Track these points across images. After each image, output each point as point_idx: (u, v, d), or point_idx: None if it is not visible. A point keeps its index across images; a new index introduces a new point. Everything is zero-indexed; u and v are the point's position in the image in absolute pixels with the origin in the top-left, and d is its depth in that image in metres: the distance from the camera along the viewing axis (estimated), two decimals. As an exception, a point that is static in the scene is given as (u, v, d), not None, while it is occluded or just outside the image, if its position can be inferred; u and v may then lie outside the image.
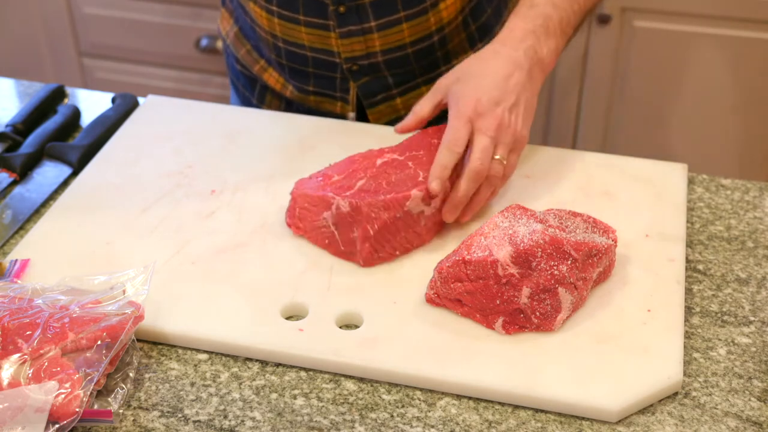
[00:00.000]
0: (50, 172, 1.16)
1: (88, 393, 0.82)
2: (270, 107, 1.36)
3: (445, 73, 1.25)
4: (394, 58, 1.25)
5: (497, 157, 1.01)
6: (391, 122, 1.28)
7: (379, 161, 1.03)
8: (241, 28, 1.35)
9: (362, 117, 1.31)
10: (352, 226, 0.98)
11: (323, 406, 0.86)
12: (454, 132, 1.01)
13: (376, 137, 1.17)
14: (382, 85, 1.28)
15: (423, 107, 1.08)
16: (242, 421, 0.85)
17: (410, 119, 1.08)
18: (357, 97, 1.29)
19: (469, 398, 0.87)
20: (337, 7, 1.19)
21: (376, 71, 1.26)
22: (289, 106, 1.34)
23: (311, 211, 1.00)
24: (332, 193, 0.99)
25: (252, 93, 1.38)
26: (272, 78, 1.33)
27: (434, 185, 0.99)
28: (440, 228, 1.03)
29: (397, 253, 0.99)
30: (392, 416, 0.85)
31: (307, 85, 1.29)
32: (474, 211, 1.03)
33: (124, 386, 0.86)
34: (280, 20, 1.23)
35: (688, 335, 0.93)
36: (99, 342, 0.85)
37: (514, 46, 1.06)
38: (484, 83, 1.03)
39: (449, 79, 1.07)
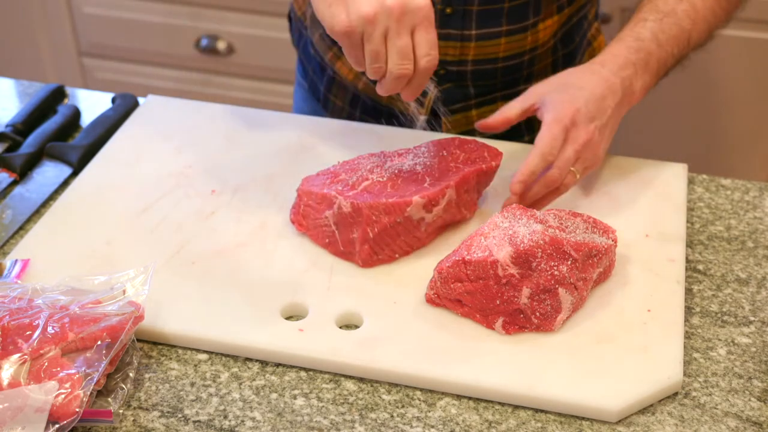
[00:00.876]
0: (50, 172, 1.16)
1: (88, 393, 0.82)
2: (336, 98, 1.33)
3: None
4: (482, 70, 1.24)
5: (573, 169, 1.01)
6: (462, 133, 1.27)
7: (388, 164, 1.02)
8: None
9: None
10: (353, 227, 0.98)
11: (323, 406, 0.86)
12: (551, 139, 1.00)
13: (377, 138, 1.17)
14: (463, 94, 1.27)
15: (512, 109, 1.07)
16: (242, 421, 0.85)
17: (497, 118, 1.07)
18: (431, 102, 1.27)
19: (469, 398, 0.87)
20: (445, 7, 1.18)
21: (461, 79, 1.25)
22: (354, 98, 1.31)
23: (314, 208, 1.00)
24: (335, 192, 0.98)
25: (321, 80, 1.35)
26: (345, 68, 1.29)
27: (517, 187, 0.99)
28: (441, 232, 1.03)
29: (397, 255, 0.99)
30: (392, 416, 0.85)
31: None
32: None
33: (124, 386, 0.86)
34: None
35: (688, 335, 0.93)
36: (99, 342, 0.85)
37: (613, 71, 1.05)
38: (582, 94, 1.03)
39: (545, 87, 1.06)
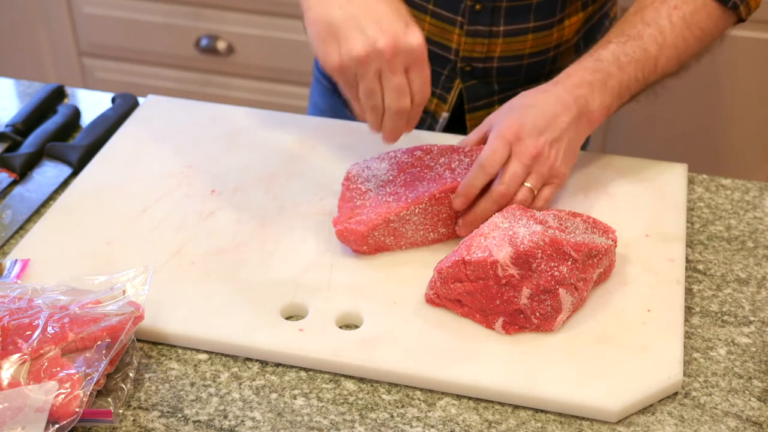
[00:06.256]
0: (50, 172, 1.16)
1: (88, 393, 0.82)
2: None
3: None
4: (508, 67, 1.24)
5: (528, 185, 0.99)
6: None
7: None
8: None
9: (455, 119, 1.28)
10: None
11: (323, 406, 0.86)
12: (491, 151, 0.98)
13: (377, 138, 1.17)
14: (487, 91, 1.26)
15: (469, 140, 1.07)
16: (242, 421, 0.85)
17: (461, 201, 1.05)
18: (455, 99, 1.27)
19: (469, 398, 0.87)
20: (474, 4, 1.18)
21: (486, 76, 1.25)
22: None
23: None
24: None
25: None
26: None
27: (458, 202, 0.99)
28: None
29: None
30: (392, 416, 0.85)
31: None
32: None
33: (124, 386, 0.86)
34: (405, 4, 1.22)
35: (688, 335, 0.93)
36: (99, 342, 0.85)
37: (567, 89, 1.04)
38: (530, 111, 1.01)
39: (496, 113, 1.05)
